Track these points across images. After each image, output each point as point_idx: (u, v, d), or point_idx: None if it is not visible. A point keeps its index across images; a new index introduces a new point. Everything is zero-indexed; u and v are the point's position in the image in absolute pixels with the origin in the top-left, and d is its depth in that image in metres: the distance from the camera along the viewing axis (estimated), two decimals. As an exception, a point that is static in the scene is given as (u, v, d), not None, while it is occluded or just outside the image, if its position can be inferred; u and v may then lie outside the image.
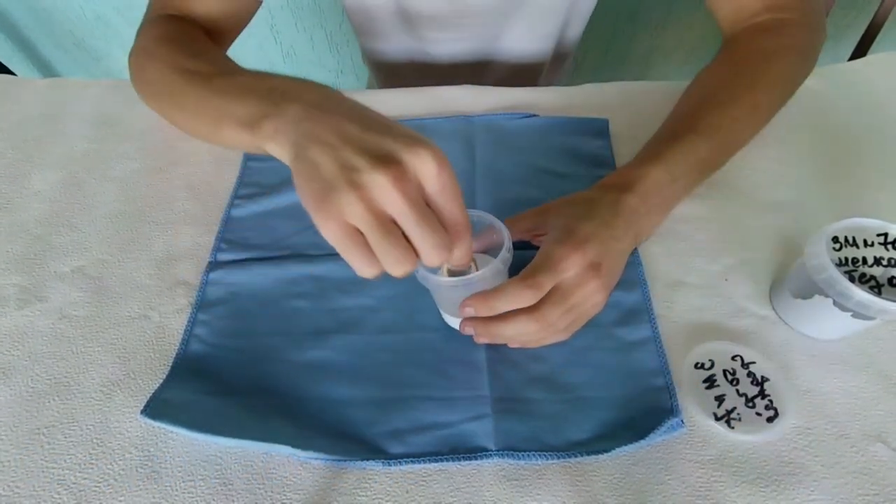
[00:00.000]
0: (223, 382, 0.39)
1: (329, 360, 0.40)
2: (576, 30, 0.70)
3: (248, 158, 0.51)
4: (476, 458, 0.35)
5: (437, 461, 0.35)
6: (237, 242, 0.46)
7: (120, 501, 0.34)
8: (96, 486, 0.35)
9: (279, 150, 0.31)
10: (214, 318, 0.42)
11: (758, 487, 0.34)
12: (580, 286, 0.35)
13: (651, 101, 0.56)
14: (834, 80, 0.57)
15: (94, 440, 0.36)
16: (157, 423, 0.35)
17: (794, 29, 0.48)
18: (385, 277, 0.42)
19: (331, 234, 0.28)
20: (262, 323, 0.42)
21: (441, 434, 0.36)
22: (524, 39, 0.67)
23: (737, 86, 0.46)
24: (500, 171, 0.50)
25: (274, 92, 0.33)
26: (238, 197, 0.49)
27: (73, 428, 0.37)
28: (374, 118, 0.30)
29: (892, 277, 0.35)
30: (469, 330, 0.37)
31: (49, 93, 0.58)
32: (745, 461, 0.35)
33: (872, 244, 0.36)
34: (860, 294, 0.34)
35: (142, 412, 0.36)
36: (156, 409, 0.36)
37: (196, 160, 0.51)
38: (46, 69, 1.26)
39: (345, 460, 0.35)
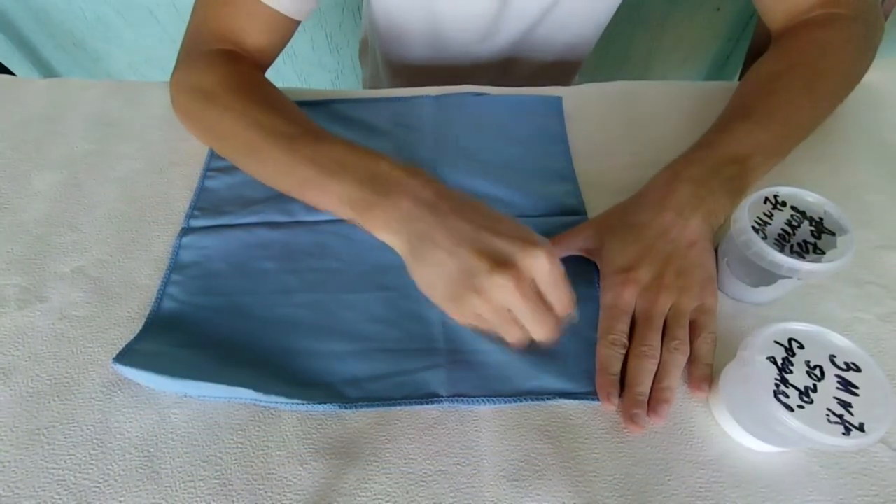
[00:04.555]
0: (193, 335, 0.41)
1: (294, 317, 0.42)
2: (589, 41, 0.70)
3: None
4: (428, 404, 0.37)
5: (391, 405, 0.37)
6: (209, 209, 0.48)
7: (120, 502, 0.34)
8: (96, 487, 0.35)
9: (391, 240, 0.35)
10: (186, 279, 0.43)
11: (757, 488, 0.34)
12: (653, 307, 0.38)
13: (651, 101, 0.56)
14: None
15: (95, 440, 0.36)
16: (128, 369, 0.37)
17: (848, 23, 0.47)
18: (352, 240, 0.45)
19: (464, 322, 0.35)
20: (231, 283, 0.43)
21: (396, 381, 0.38)
22: (546, 43, 0.68)
23: (792, 76, 0.45)
24: (463, 148, 0.52)
25: (378, 179, 0.35)
26: (211, 169, 0.51)
27: (74, 428, 0.37)
28: (483, 215, 0.34)
29: (812, 243, 0.37)
30: (635, 427, 0.36)
31: (49, 93, 0.58)
32: (744, 462, 0.35)
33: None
34: (773, 254, 0.36)
35: (114, 360, 0.37)
36: (128, 357, 0.38)
37: (196, 161, 0.51)
38: (46, 69, 1.26)
39: (304, 403, 0.37)
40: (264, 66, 0.51)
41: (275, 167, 0.41)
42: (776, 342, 0.33)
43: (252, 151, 0.42)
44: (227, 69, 0.46)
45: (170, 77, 0.49)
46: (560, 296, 0.33)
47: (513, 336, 0.34)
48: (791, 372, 0.31)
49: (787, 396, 0.30)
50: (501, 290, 0.31)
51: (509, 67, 0.71)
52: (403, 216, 0.34)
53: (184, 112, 0.48)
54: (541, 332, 0.33)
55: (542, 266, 0.32)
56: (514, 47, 0.68)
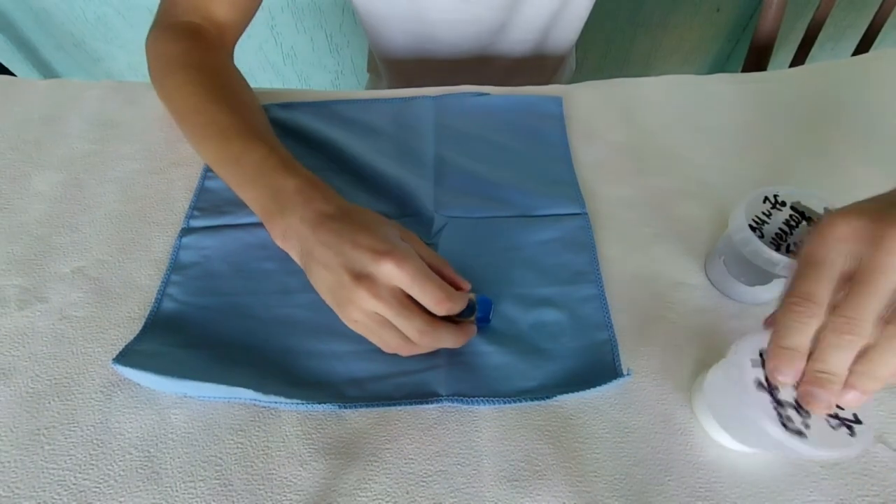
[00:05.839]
0: (193, 336, 0.41)
1: (294, 317, 0.42)
2: (567, 31, 0.70)
3: None
4: (428, 404, 0.37)
5: (391, 405, 0.38)
6: (209, 210, 0.48)
7: (120, 502, 0.34)
8: (96, 487, 0.35)
9: (288, 251, 0.39)
10: (186, 280, 0.44)
11: (757, 488, 0.34)
12: (872, 261, 0.25)
13: (651, 100, 0.56)
14: (835, 75, 0.57)
15: (95, 441, 0.36)
16: (128, 370, 0.37)
17: None
18: None
19: (353, 328, 0.36)
20: (231, 283, 0.44)
21: (396, 381, 0.39)
22: (519, 36, 0.68)
23: None
24: (463, 149, 0.52)
25: (280, 195, 0.39)
26: (210, 169, 0.50)
27: (74, 429, 0.37)
28: (350, 226, 0.36)
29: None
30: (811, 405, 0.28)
31: (49, 94, 0.58)
32: (744, 462, 0.35)
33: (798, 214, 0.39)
34: (769, 252, 0.36)
35: (114, 360, 0.37)
36: (127, 358, 0.38)
37: (196, 161, 0.51)
38: (46, 70, 1.26)
39: (304, 404, 0.37)
40: (230, 42, 0.53)
41: (211, 157, 0.44)
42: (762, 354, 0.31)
43: (194, 135, 0.45)
44: (189, 44, 0.49)
45: (145, 39, 0.51)
46: (424, 295, 0.34)
47: (388, 340, 0.36)
48: (779, 389, 0.30)
49: (791, 420, 0.29)
50: (364, 300, 0.34)
51: (486, 62, 0.71)
52: (293, 233, 0.37)
53: (151, 77, 0.50)
54: (413, 333, 0.35)
55: (392, 274, 0.33)
56: (491, 38, 0.68)
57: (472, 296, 0.38)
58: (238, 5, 0.52)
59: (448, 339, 0.36)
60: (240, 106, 0.45)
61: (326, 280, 0.36)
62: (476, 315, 0.38)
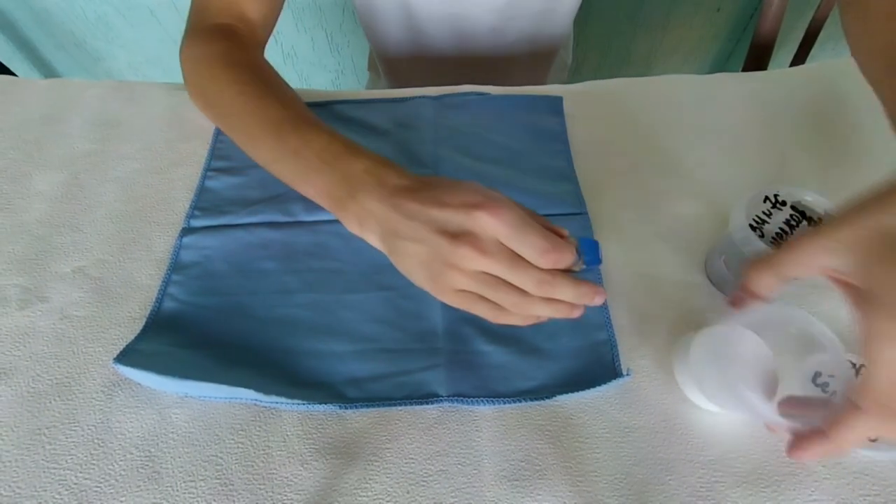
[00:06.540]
0: (193, 335, 0.41)
1: (294, 317, 0.42)
2: (558, 24, 0.70)
3: (220, 133, 0.53)
4: (428, 404, 0.37)
5: (391, 405, 0.38)
6: (210, 209, 0.48)
7: (121, 502, 0.34)
8: (97, 487, 0.35)
9: (367, 238, 0.37)
10: (187, 279, 0.44)
11: (758, 488, 0.34)
12: None
13: (652, 99, 0.56)
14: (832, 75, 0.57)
15: (95, 440, 0.36)
16: (128, 370, 0.37)
17: None
18: (352, 240, 0.42)
19: (454, 303, 0.34)
20: (232, 283, 0.44)
21: (396, 381, 0.39)
22: (510, 33, 0.68)
23: None
24: (463, 148, 0.52)
25: (349, 180, 0.36)
26: (211, 169, 0.51)
27: (74, 428, 0.37)
28: (432, 190, 0.33)
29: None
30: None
31: (50, 93, 0.58)
32: (745, 462, 0.35)
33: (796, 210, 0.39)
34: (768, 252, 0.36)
35: (114, 360, 0.37)
36: (128, 357, 0.38)
37: (196, 161, 0.52)
38: (47, 70, 1.26)
39: (305, 404, 0.37)
40: (263, 40, 0.52)
41: (266, 154, 0.42)
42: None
43: (246, 135, 0.43)
44: (228, 44, 0.47)
45: (179, 51, 0.50)
46: (525, 245, 0.31)
47: (504, 299, 0.32)
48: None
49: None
50: (468, 259, 0.31)
51: (479, 59, 0.71)
52: (372, 215, 0.35)
53: (189, 84, 0.49)
54: (531, 284, 0.31)
55: (491, 225, 0.31)
56: (481, 34, 0.68)
57: (573, 241, 0.33)
58: (267, 1, 0.51)
59: (568, 291, 0.32)
60: (288, 100, 0.43)
61: (419, 254, 0.33)
62: (583, 259, 0.33)
